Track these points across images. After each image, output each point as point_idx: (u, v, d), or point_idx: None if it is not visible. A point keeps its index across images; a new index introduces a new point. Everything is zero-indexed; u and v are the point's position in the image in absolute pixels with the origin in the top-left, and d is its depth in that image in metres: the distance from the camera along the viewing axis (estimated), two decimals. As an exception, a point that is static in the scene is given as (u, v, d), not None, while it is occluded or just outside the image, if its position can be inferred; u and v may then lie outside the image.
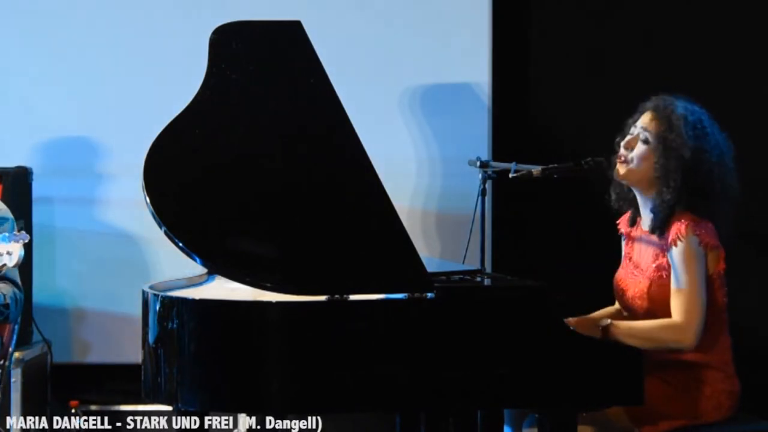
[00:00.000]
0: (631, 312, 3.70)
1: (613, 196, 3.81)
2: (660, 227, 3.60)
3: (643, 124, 3.66)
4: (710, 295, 3.59)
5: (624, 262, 3.78)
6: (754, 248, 4.75)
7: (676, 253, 3.54)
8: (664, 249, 3.59)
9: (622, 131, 3.72)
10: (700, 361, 3.60)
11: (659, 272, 3.60)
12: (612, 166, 3.70)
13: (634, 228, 3.76)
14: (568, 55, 5.01)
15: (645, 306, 3.63)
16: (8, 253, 3.73)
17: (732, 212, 3.65)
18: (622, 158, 3.66)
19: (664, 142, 3.59)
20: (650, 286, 3.62)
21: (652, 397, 3.43)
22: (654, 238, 3.65)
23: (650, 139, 3.62)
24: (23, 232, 3.77)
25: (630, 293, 3.67)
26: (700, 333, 3.51)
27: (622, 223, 3.83)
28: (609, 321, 3.50)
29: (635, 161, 3.64)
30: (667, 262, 3.58)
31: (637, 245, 3.73)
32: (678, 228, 3.55)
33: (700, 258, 3.54)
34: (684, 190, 3.57)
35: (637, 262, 3.71)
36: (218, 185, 3.39)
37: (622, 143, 3.68)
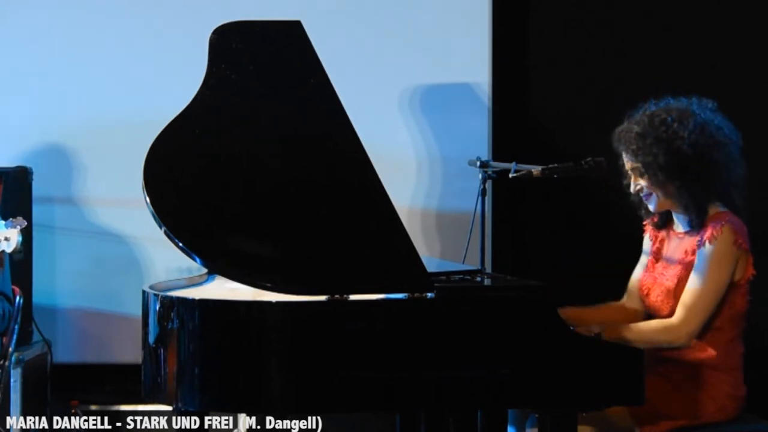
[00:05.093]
0: (656, 312, 3.70)
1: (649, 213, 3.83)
2: (698, 224, 3.62)
3: (627, 166, 3.71)
4: (734, 300, 3.61)
5: (648, 263, 3.79)
6: (753, 248, 4.73)
7: (707, 251, 3.56)
8: (694, 249, 3.60)
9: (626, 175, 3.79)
10: (709, 362, 3.60)
11: (686, 271, 3.61)
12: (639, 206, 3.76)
13: (665, 230, 3.77)
14: (568, 55, 5.01)
15: (671, 304, 3.63)
16: (6, 239, 3.73)
17: (741, 182, 3.68)
18: (639, 196, 3.71)
19: (639, 168, 3.65)
20: (677, 284, 3.62)
21: (654, 396, 3.43)
22: (685, 240, 3.67)
23: (637, 171, 3.67)
24: (20, 218, 3.76)
25: (654, 294, 3.68)
26: (695, 334, 3.55)
27: (650, 225, 3.84)
28: (600, 329, 3.49)
29: (644, 193, 3.69)
30: (696, 259, 3.59)
31: (666, 246, 3.75)
32: (715, 228, 3.57)
33: (731, 261, 3.56)
34: (686, 184, 3.60)
35: (665, 264, 3.71)
36: (218, 185, 3.38)
37: (631, 189, 3.72)
